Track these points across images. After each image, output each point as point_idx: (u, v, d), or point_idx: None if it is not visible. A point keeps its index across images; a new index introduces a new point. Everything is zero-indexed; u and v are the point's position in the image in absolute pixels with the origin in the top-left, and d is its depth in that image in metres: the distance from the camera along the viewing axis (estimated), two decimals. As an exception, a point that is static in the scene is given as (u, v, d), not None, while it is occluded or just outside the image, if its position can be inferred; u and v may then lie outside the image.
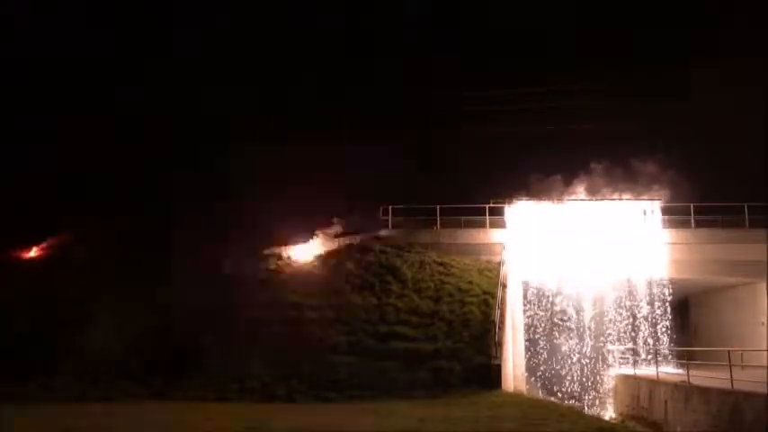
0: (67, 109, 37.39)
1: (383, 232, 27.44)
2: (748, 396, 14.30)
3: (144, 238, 27.05)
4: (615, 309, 27.30)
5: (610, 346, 27.17)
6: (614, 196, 28.16)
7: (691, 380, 17.76)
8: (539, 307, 26.98)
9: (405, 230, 27.62)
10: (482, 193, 28.39)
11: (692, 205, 27.27)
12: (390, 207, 28.19)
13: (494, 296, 22.24)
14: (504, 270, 24.26)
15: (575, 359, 26.95)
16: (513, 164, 32.85)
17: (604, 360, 26.81)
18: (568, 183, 28.69)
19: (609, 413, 24.69)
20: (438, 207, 28.03)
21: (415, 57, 42.03)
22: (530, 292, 26.86)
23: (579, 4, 46.58)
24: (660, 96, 35.76)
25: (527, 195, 28.14)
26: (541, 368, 26.87)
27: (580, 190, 28.58)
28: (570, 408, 19.78)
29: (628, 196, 28.14)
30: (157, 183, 32.71)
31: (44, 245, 28.09)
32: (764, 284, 25.86)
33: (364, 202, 29.29)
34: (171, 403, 17.10)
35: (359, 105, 38.06)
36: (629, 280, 27.12)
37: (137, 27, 42.63)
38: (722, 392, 15.44)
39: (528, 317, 26.58)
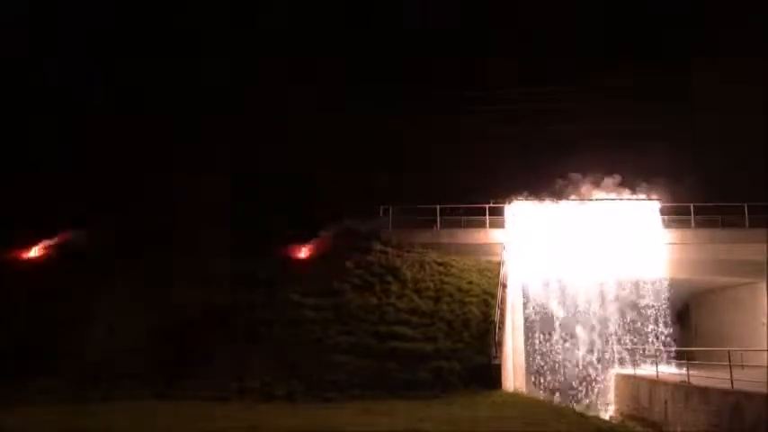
0: (68, 108, 37.45)
1: (383, 232, 27.41)
2: (748, 396, 14.31)
3: (144, 237, 27.04)
4: (615, 309, 27.28)
5: (610, 346, 27.15)
6: (614, 196, 28.18)
7: (691, 380, 17.77)
8: (539, 307, 26.96)
9: (405, 230, 27.60)
10: (482, 193, 28.42)
11: (692, 205, 27.25)
12: (390, 207, 28.18)
13: (494, 296, 22.24)
14: (504, 270, 24.25)
15: (574, 359, 26.94)
16: (513, 164, 32.92)
17: (604, 360, 26.80)
18: (568, 182, 28.72)
19: (609, 413, 24.70)
20: (438, 207, 28.01)
21: (415, 56, 42.12)
22: (530, 292, 26.84)
23: (579, 4, 46.66)
24: (660, 96, 35.79)
25: (527, 195, 28.15)
26: (541, 368, 26.86)
27: (580, 190, 28.59)
28: (570, 408, 19.81)
29: (628, 196, 28.16)
30: (158, 182, 32.73)
31: (44, 245, 28.05)
32: (764, 284, 25.84)
33: (364, 201, 29.31)
34: (171, 403, 17.08)
35: (359, 105, 38.06)
36: (628, 280, 27.12)
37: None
38: (722, 392, 15.45)
39: (528, 317, 26.57)
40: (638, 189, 28.36)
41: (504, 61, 40.10)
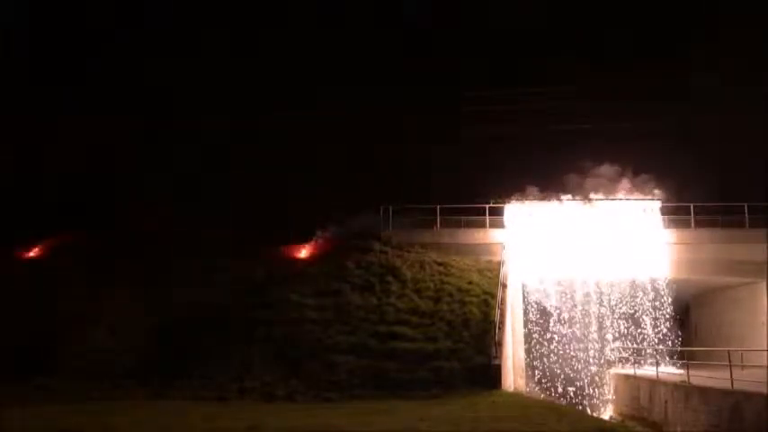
0: (68, 109, 37.43)
1: (383, 232, 27.40)
2: (748, 396, 14.30)
3: (144, 237, 27.05)
4: (615, 309, 27.28)
5: (610, 346, 27.16)
6: (614, 196, 28.18)
7: (691, 380, 17.76)
8: (539, 307, 26.96)
9: (405, 230, 27.59)
10: (482, 193, 28.40)
11: (692, 205, 27.23)
12: (390, 207, 28.18)
13: (494, 296, 22.25)
14: (504, 270, 24.26)
15: (575, 359, 26.92)
16: (512, 164, 32.88)
17: (604, 360, 26.80)
18: (568, 182, 28.70)
19: (609, 413, 24.69)
20: (438, 207, 28.00)
21: (414, 55, 42.12)
22: (530, 292, 26.84)
23: (579, 4, 46.68)
24: (660, 96, 35.75)
25: (527, 195, 28.15)
26: (541, 368, 26.85)
27: (580, 189, 28.57)
28: (570, 408, 19.83)
29: (628, 196, 28.14)
30: (157, 182, 32.75)
31: (44, 245, 28.05)
32: (764, 284, 25.82)
33: (364, 201, 29.30)
34: (171, 403, 17.10)
35: (358, 105, 38.05)
36: (628, 280, 27.12)
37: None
38: (722, 392, 15.44)
39: (528, 317, 26.57)
40: (637, 188, 28.33)
41: (504, 61, 40.09)
